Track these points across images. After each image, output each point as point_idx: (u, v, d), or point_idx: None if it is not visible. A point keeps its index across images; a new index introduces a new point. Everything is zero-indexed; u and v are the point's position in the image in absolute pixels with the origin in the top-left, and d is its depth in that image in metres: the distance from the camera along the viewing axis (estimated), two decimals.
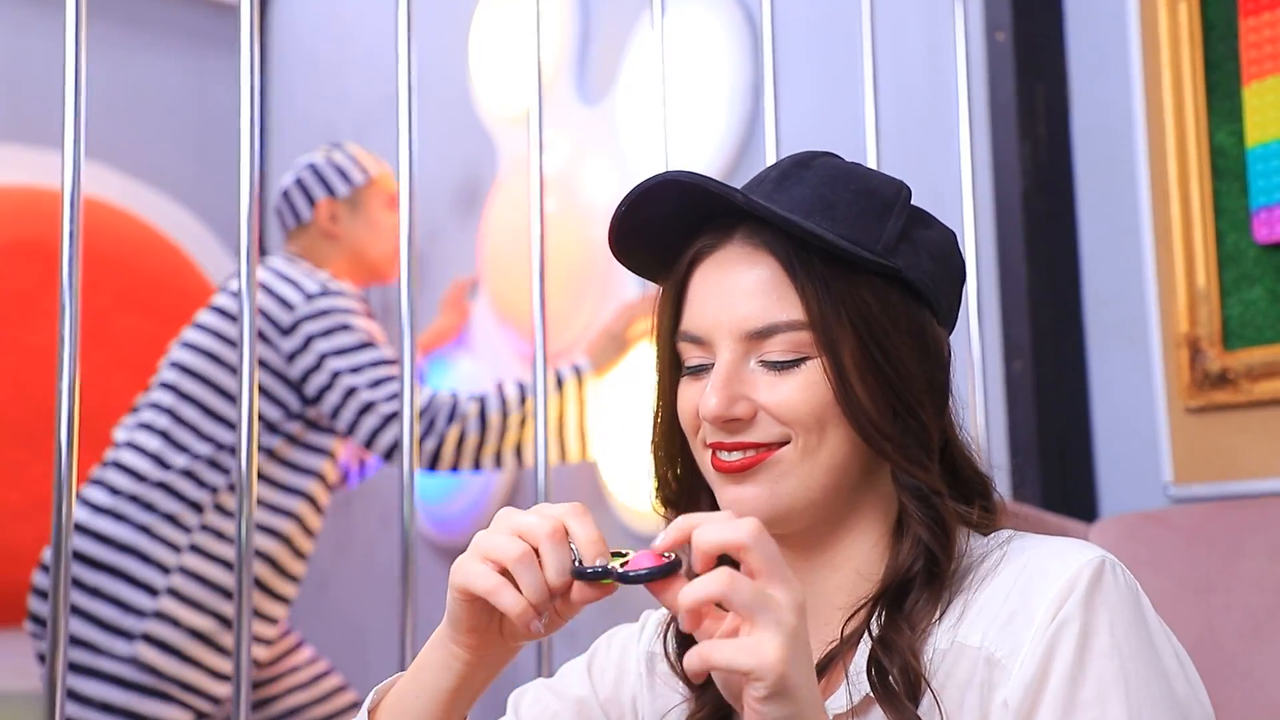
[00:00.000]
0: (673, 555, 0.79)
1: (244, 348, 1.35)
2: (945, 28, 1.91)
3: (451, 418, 2.16)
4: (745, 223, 0.94)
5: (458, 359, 2.85)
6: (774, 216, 0.90)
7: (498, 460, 2.20)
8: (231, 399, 2.22)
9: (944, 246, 0.97)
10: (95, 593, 2.16)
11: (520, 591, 0.82)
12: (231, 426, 2.21)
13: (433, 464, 2.18)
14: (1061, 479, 1.79)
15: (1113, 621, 0.84)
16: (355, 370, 2.18)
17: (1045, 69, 1.85)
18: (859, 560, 0.95)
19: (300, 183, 2.44)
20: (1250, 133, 1.63)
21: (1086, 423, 1.82)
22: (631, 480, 2.31)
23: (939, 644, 0.89)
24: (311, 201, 2.43)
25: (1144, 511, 1.58)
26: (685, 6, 2.31)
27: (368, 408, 2.16)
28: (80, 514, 2.19)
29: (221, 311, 2.29)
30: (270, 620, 2.31)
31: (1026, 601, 0.86)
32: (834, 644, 0.93)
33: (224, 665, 2.21)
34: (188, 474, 2.22)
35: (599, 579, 0.81)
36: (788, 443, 0.91)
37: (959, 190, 1.80)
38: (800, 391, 0.91)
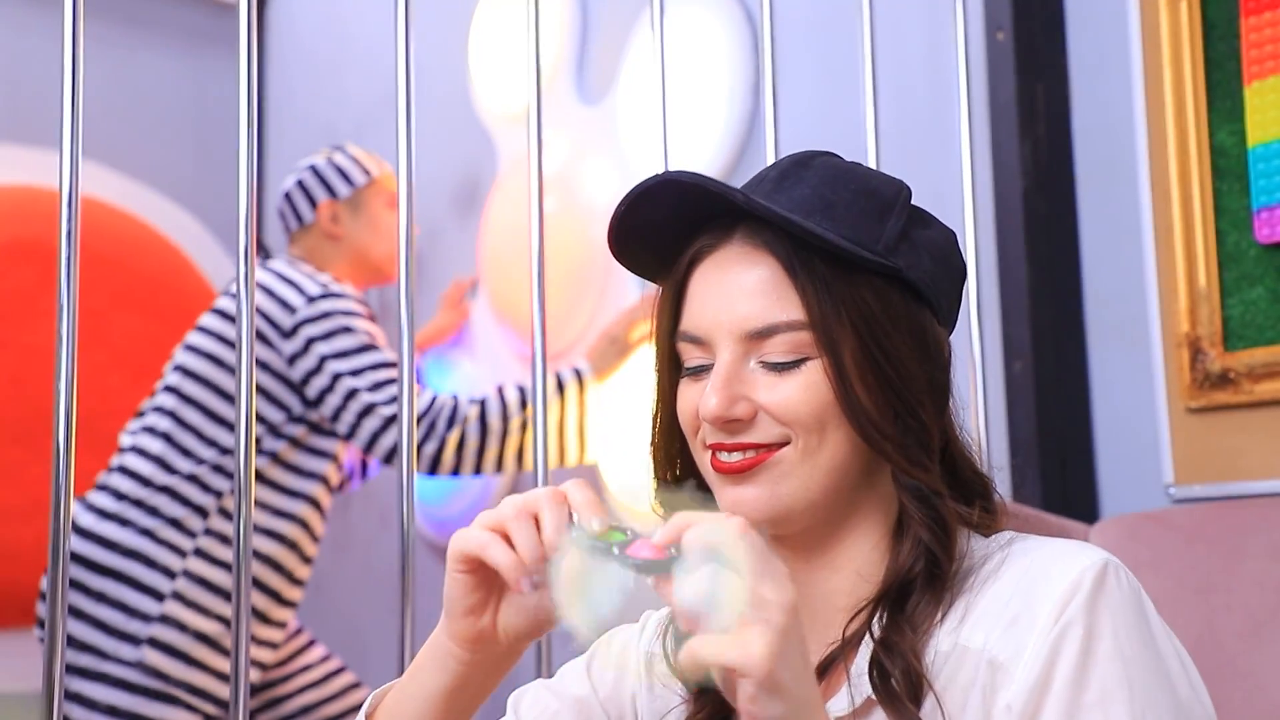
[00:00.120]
0: (673, 550, 0.79)
1: (242, 348, 1.35)
2: (945, 27, 1.90)
3: (452, 422, 2.15)
4: (745, 222, 0.93)
5: (457, 360, 2.85)
6: (774, 216, 0.89)
7: (499, 464, 2.19)
8: (234, 403, 2.22)
9: (944, 247, 0.97)
10: (101, 598, 2.15)
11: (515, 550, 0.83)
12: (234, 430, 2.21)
13: (433, 468, 2.17)
14: (1062, 479, 1.79)
15: (1116, 625, 0.84)
16: (356, 373, 2.17)
17: (1046, 68, 1.85)
18: (859, 561, 0.94)
19: (301, 184, 2.44)
20: (1251, 132, 1.62)
21: (1087, 423, 1.81)
22: (631, 481, 2.30)
23: (941, 646, 0.88)
24: (313, 203, 2.42)
25: (1144, 512, 1.58)
26: (685, 6, 2.30)
27: (368, 410, 2.16)
28: (85, 519, 2.19)
29: (223, 314, 2.29)
30: (277, 625, 2.31)
31: (1029, 604, 0.86)
32: (835, 645, 0.92)
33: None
34: (192, 479, 2.21)
35: (596, 552, 0.81)
36: (788, 443, 0.91)
37: (959, 190, 1.80)
38: (801, 392, 0.90)
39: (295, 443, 2.26)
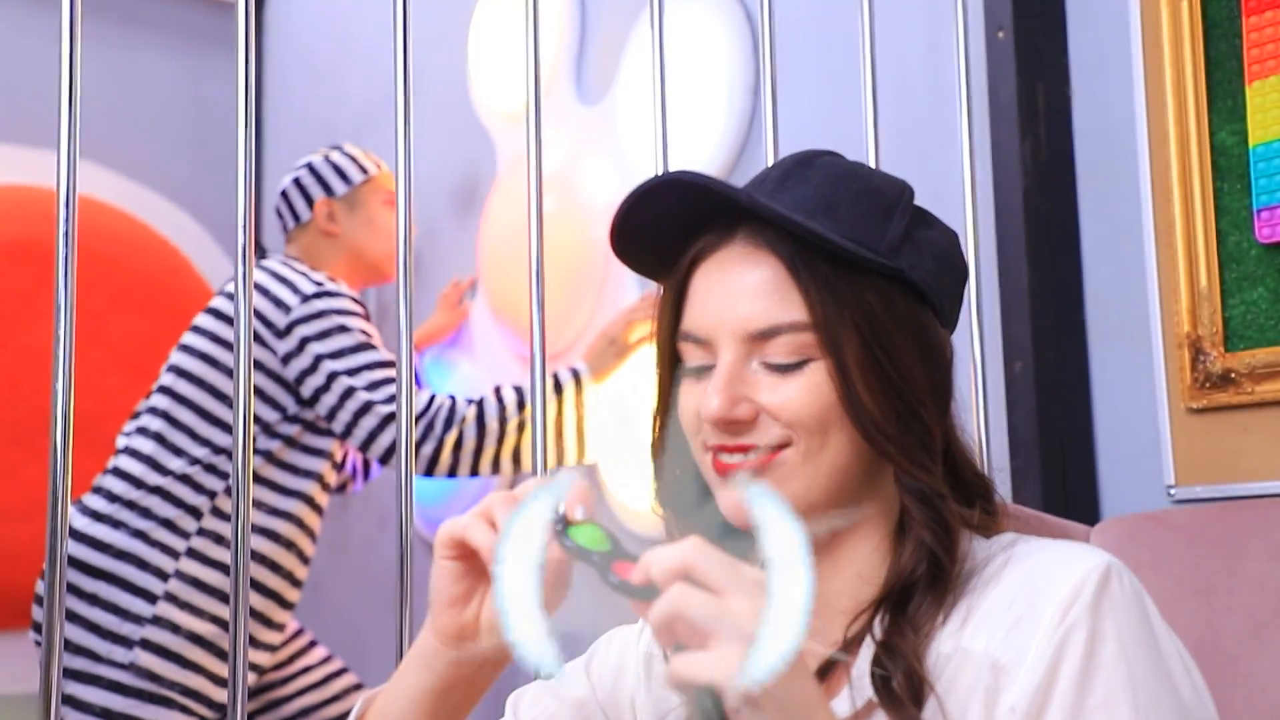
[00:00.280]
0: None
1: (240, 349, 1.34)
2: (946, 26, 1.90)
3: (449, 422, 2.14)
4: (747, 222, 0.93)
5: (456, 360, 2.84)
6: (777, 216, 0.89)
7: (496, 465, 2.18)
8: (227, 402, 2.21)
9: (946, 247, 0.97)
10: (94, 600, 2.14)
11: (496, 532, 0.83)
12: (227, 430, 2.20)
13: (430, 469, 2.16)
14: (1062, 480, 1.78)
15: (1119, 627, 0.84)
16: (352, 371, 2.16)
17: (1046, 67, 1.85)
18: (861, 563, 0.94)
19: (298, 183, 2.43)
20: (1253, 132, 1.62)
21: (1088, 424, 1.81)
22: (631, 482, 2.30)
23: (942, 648, 0.88)
24: (310, 201, 2.42)
25: (1145, 513, 1.57)
26: (684, 6, 2.30)
27: (365, 409, 2.14)
28: (79, 521, 2.17)
29: (217, 314, 2.28)
30: (276, 626, 2.30)
31: (1032, 607, 0.86)
32: (836, 647, 0.92)
33: (226, 670, 2.20)
34: (184, 479, 2.20)
35: (576, 555, 0.80)
36: (789, 445, 0.90)
37: (959, 190, 1.80)
38: (803, 393, 0.90)
39: (290, 442, 2.25)
